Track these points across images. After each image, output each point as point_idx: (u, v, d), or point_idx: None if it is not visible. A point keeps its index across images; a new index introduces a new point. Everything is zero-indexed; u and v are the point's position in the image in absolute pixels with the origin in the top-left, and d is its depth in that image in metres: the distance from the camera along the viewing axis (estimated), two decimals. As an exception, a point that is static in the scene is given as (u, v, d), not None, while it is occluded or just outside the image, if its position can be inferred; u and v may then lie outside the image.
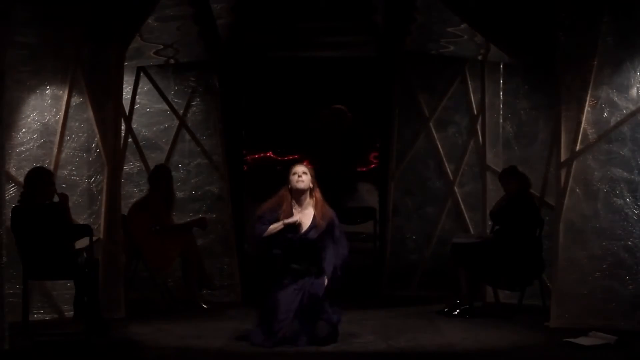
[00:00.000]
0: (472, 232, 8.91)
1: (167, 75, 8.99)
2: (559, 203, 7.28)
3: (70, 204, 7.27)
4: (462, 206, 9.07)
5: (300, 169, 6.69)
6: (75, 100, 7.56)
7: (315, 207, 6.65)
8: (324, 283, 6.53)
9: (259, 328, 6.56)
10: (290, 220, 6.57)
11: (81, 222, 7.41)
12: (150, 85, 8.94)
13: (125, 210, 8.17)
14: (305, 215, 6.64)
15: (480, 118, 8.97)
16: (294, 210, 6.65)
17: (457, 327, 7.31)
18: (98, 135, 7.56)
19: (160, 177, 8.55)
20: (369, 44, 9.67)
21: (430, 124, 9.16)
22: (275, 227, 6.58)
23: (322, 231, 6.58)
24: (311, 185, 6.68)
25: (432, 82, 9.18)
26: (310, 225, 6.61)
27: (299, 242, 6.57)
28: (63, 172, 7.54)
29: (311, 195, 6.68)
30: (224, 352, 6.48)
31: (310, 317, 6.48)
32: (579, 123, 7.14)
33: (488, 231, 8.50)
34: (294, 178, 6.66)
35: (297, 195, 6.67)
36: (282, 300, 6.50)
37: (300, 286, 6.52)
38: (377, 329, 7.21)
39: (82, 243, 7.23)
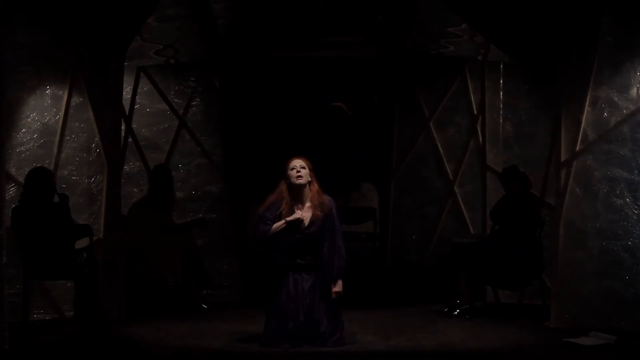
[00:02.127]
0: (472, 232, 8.92)
1: (167, 75, 8.99)
2: (559, 203, 7.28)
3: (70, 204, 7.27)
4: (462, 206, 9.08)
5: (298, 162, 6.63)
6: (75, 100, 7.56)
7: (312, 200, 6.62)
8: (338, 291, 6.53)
9: (269, 328, 6.53)
10: (293, 217, 6.54)
11: (81, 222, 7.41)
12: (150, 85, 8.94)
13: (125, 210, 8.17)
14: (305, 210, 6.61)
15: (480, 118, 8.97)
16: (294, 207, 6.61)
17: (457, 327, 7.31)
18: (98, 135, 7.55)
19: (160, 177, 8.55)
20: (369, 44, 9.67)
21: (430, 124, 9.16)
22: (278, 226, 6.56)
23: (322, 223, 6.55)
24: (310, 178, 6.65)
25: (432, 82, 9.18)
26: (311, 220, 6.58)
27: (303, 238, 6.55)
28: (63, 172, 7.53)
29: (310, 189, 6.65)
30: (224, 352, 6.48)
31: (325, 318, 6.49)
32: (579, 123, 7.14)
33: (488, 231, 8.50)
34: (293, 173, 6.61)
35: (297, 190, 6.63)
36: (289, 299, 6.49)
37: (309, 286, 6.50)
38: (377, 329, 7.21)
39: (82, 243, 7.23)
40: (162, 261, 8.32)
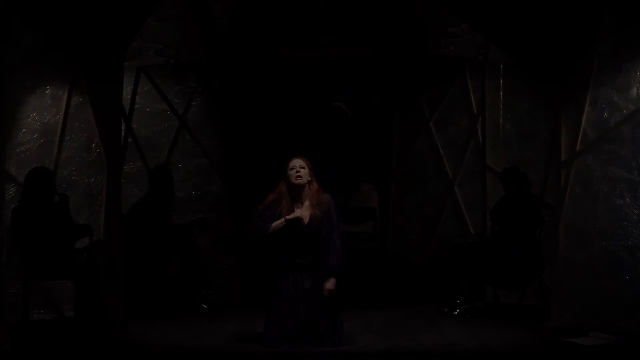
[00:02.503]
0: (472, 232, 8.92)
1: (167, 75, 9.00)
2: (559, 203, 7.28)
3: (70, 204, 7.27)
4: (462, 206, 9.08)
5: (297, 162, 6.63)
6: (75, 100, 7.56)
7: (312, 199, 6.61)
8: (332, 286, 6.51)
9: (269, 328, 6.53)
10: (292, 216, 6.54)
11: (81, 222, 7.41)
12: (150, 85, 8.95)
13: (125, 210, 8.17)
14: (305, 209, 6.61)
15: (480, 118, 8.98)
16: (294, 206, 6.61)
17: (457, 327, 7.31)
18: (98, 135, 7.55)
19: (160, 177, 8.55)
20: (369, 44, 9.67)
21: (430, 124, 9.16)
22: (277, 224, 6.56)
23: (321, 221, 6.55)
24: (309, 178, 6.65)
25: (432, 82, 9.19)
26: (310, 219, 6.58)
27: (303, 237, 6.55)
28: (63, 172, 7.53)
29: (309, 188, 6.65)
30: (224, 352, 6.48)
31: (325, 318, 6.49)
32: (579, 123, 7.14)
33: (488, 231, 8.50)
34: (292, 173, 6.61)
35: (296, 190, 6.63)
36: (289, 299, 6.49)
37: (309, 286, 6.51)
38: (377, 329, 7.21)
39: (82, 243, 7.23)
40: (162, 261, 8.32)
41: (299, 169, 6.60)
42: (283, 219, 6.55)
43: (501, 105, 8.80)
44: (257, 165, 9.67)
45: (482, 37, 7.99)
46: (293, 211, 6.58)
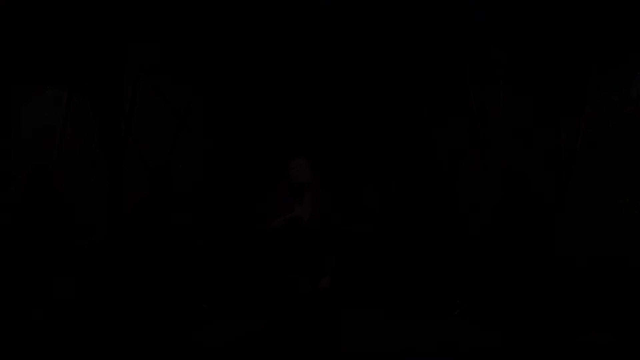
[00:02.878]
0: (472, 232, 8.92)
1: (167, 75, 9.00)
2: (559, 203, 7.28)
3: (69, 203, 7.27)
4: (462, 206, 9.08)
5: (298, 162, 6.65)
6: (75, 100, 7.56)
7: (313, 198, 6.61)
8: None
9: (269, 328, 6.53)
10: (292, 215, 6.55)
11: (81, 222, 7.41)
12: (150, 85, 8.94)
13: (125, 210, 8.17)
14: (305, 209, 6.61)
15: (480, 118, 8.98)
16: (295, 205, 6.62)
17: (457, 327, 7.31)
18: (98, 135, 7.55)
19: (160, 177, 8.55)
20: (368, 43, 9.66)
21: (430, 124, 9.16)
22: (277, 223, 6.56)
23: (321, 220, 6.56)
24: (310, 177, 6.64)
25: (432, 82, 9.18)
26: (310, 218, 6.58)
27: (303, 237, 6.55)
28: (63, 172, 7.53)
29: (310, 187, 6.64)
30: (224, 352, 6.48)
31: (325, 318, 6.50)
32: (579, 123, 7.14)
33: (488, 231, 8.51)
34: (293, 172, 6.61)
35: (297, 189, 6.63)
36: (289, 299, 6.49)
37: (309, 286, 6.51)
38: (377, 329, 7.21)
39: (82, 243, 7.23)
40: (163, 261, 8.32)
41: (299, 168, 6.60)
42: (283, 218, 6.55)
43: (501, 106, 8.80)
44: (257, 165, 9.68)
45: (483, 37, 8.00)
46: (293, 210, 6.58)
